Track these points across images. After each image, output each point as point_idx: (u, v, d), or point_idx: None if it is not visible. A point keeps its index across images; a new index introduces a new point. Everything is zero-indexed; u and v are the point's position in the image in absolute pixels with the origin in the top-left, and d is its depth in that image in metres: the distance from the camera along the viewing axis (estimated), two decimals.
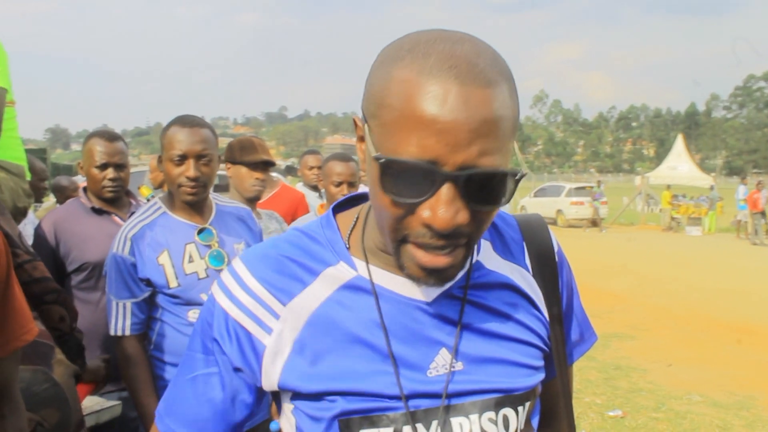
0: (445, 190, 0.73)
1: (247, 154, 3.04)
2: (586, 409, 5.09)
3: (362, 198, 1.00)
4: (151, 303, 2.18)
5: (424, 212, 0.75)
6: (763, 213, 18.66)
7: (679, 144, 34.04)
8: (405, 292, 0.89)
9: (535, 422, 0.98)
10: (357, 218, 0.95)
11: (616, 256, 14.82)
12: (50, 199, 6.97)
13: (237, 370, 0.91)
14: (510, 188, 0.77)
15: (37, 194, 4.16)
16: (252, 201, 3.04)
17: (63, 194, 5.34)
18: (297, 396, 0.89)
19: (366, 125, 0.80)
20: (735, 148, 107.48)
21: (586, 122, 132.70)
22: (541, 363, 0.97)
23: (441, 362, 0.88)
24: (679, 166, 31.68)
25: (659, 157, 71.50)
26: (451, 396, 0.88)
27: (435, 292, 0.90)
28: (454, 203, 0.74)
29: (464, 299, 0.91)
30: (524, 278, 0.98)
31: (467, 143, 0.71)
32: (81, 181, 4.69)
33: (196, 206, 2.22)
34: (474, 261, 0.95)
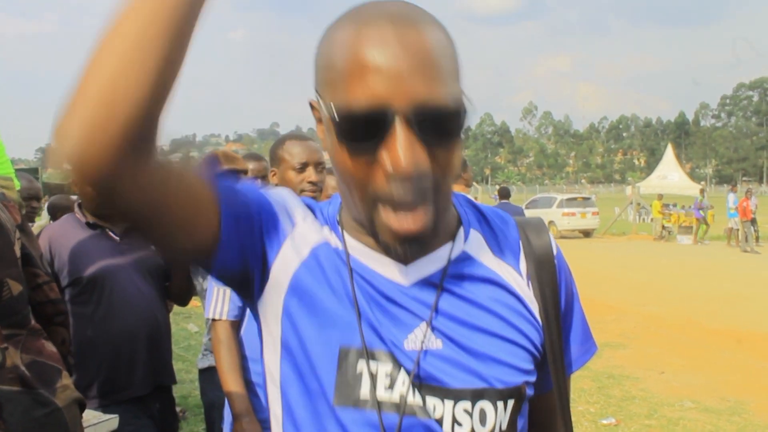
0: (399, 129, 0.75)
1: None
2: (579, 418, 5.12)
3: None
4: None
5: (385, 159, 0.76)
6: (753, 220, 18.79)
7: (669, 153, 34.32)
8: (384, 272, 0.89)
9: (520, 426, 0.93)
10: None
11: (608, 266, 14.88)
12: (40, 219, 6.96)
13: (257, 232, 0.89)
14: (462, 121, 0.79)
15: (26, 215, 4.15)
16: None
17: (63, 214, 5.33)
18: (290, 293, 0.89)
19: (320, 100, 0.83)
20: (724, 157, 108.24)
21: (577, 133, 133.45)
22: (530, 366, 0.92)
23: (420, 337, 0.87)
24: (670, 175, 31.92)
25: (650, 167, 71.91)
26: (423, 367, 0.87)
27: (415, 276, 0.89)
28: (410, 141, 0.75)
29: (441, 285, 0.89)
30: (515, 280, 0.95)
31: (410, 79, 0.74)
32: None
33: None
34: (460, 252, 0.93)
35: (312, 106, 0.88)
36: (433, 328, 0.88)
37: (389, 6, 0.80)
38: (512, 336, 0.91)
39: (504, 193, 8.56)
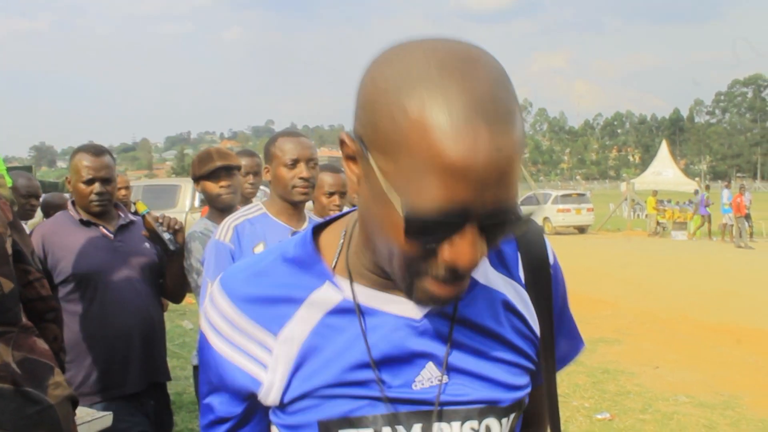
0: (469, 231, 0.72)
1: (205, 165, 2.98)
2: (574, 413, 5.13)
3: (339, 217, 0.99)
4: None
5: (446, 252, 0.74)
6: (747, 216, 18.86)
7: (664, 150, 34.41)
8: (393, 310, 0.88)
9: (518, 429, 0.99)
10: (344, 236, 0.92)
11: (603, 262, 14.92)
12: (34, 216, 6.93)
13: (237, 401, 0.94)
14: (523, 221, 0.76)
15: (24, 213, 4.14)
16: (225, 211, 2.85)
17: (56, 211, 5.31)
18: (279, 407, 0.90)
19: (368, 154, 0.76)
20: (719, 153, 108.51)
21: (572, 130, 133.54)
22: (526, 381, 0.96)
23: (427, 376, 0.88)
24: (664, 171, 32.01)
25: (645, 164, 72.05)
26: (432, 401, 0.88)
27: (424, 309, 0.89)
28: (476, 241, 0.73)
29: (454, 317, 0.90)
30: (518, 293, 0.96)
31: (496, 185, 0.70)
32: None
33: (294, 211, 2.46)
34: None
35: (343, 142, 0.80)
36: (441, 364, 0.89)
37: (476, 84, 0.70)
38: (516, 359, 0.94)
39: None
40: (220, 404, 0.94)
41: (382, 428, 0.86)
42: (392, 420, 0.87)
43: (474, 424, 0.89)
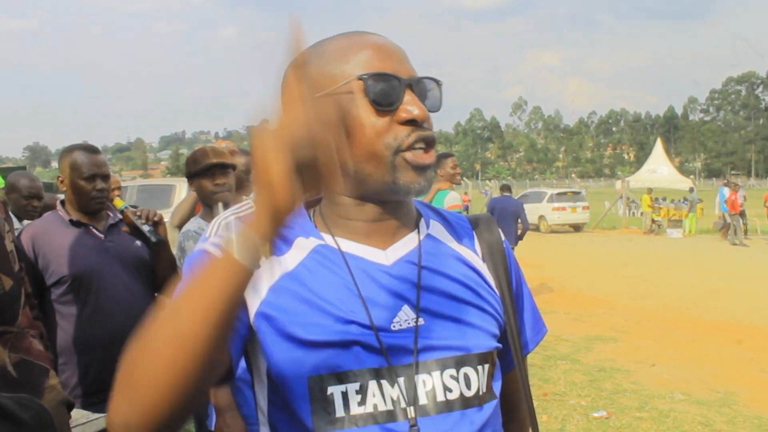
0: (408, 94, 0.97)
1: (200, 162, 2.96)
2: (571, 411, 5.13)
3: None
4: None
5: (402, 111, 0.96)
6: (742, 213, 18.89)
7: (659, 148, 34.50)
8: (367, 257, 1.00)
9: (497, 389, 1.04)
10: (317, 207, 1.07)
11: (598, 260, 14.94)
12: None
13: None
14: (441, 99, 1.03)
15: (26, 214, 4.11)
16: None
17: (46, 211, 5.29)
18: (270, 346, 0.94)
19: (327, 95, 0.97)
20: (713, 151, 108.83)
21: (567, 128, 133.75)
22: (497, 332, 1.04)
23: (404, 317, 0.97)
24: (659, 169, 32.11)
25: (639, 161, 72.17)
26: (409, 347, 0.95)
27: (394, 257, 1.01)
28: (418, 101, 0.97)
29: (419, 263, 1.01)
30: (474, 259, 1.08)
31: (404, 62, 1.00)
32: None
33: None
34: (426, 235, 1.06)
35: None
36: (415, 306, 0.98)
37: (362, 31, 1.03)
38: (481, 304, 1.03)
39: (506, 188, 9.96)
40: None
41: (369, 382, 0.93)
42: (377, 374, 0.93)
43: (452, 371, 0.97)
